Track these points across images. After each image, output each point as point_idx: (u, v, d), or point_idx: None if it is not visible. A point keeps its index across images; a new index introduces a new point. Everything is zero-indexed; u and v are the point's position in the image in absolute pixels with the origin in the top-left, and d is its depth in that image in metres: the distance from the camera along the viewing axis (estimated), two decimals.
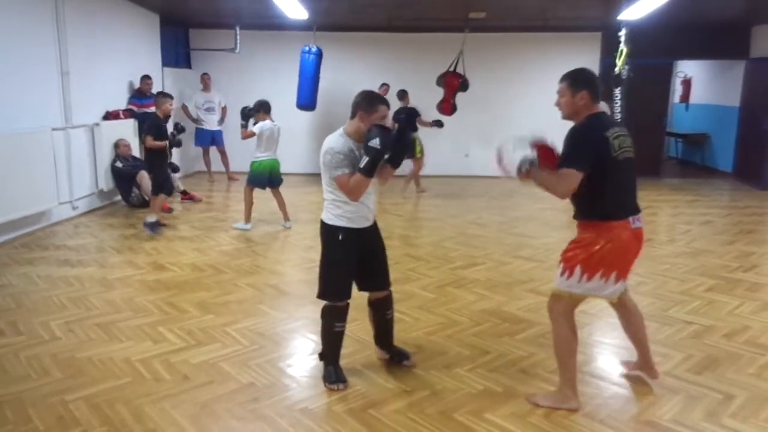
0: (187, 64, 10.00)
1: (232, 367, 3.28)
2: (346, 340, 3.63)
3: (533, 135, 3.04)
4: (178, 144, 6.64)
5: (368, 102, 2.93)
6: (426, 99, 8.50)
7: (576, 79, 2.82)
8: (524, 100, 9.83)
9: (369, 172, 2.83)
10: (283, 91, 9.95)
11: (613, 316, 4.09)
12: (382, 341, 3.40)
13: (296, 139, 10.32)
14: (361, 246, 3.07)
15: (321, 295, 3.09)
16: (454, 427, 2.74)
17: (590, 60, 9.76)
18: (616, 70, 8.17)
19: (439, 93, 8.76)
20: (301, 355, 3.53)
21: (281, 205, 6.59)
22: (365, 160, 2.82)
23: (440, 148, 9.53)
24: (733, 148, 10.22)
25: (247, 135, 6.31)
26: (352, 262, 3.06)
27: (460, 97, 8.80)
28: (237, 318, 3.99)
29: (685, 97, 12.25)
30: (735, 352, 3.51)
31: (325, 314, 3.12)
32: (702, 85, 11.75)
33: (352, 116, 2.95)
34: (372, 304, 3.30)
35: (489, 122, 9.58)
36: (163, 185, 6.30)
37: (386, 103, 2.98)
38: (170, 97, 6.39)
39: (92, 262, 5.23)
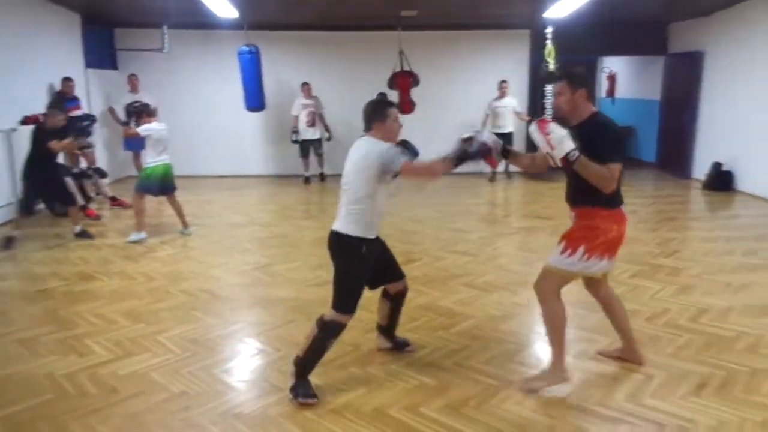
0: (112, 65, 9.63)
1: (163, 377, 3.19)
2: (283, 343, 3.63)
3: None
4: (87, 134, 6.34)
5: (379, 112, 2.99)
6: (364, 98, 8.50)
7: (575, 77, 2.92)
8: (459, 98, 9.99)
9: (455, 162, 2.90)
10: (215, 92, 9.79)
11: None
12: (389, 331, 3.44)
13: (230, 141, 10.15)
14: (377, 255, 3.08)
15: (337, 308, 2.95)
16: (389, 423, 2.77)
17: (520, 57, 10.05)
18: (550, 68, 8.43)
19: (375, 89, 8.79)
20: (236, 360, 3.47)
21: (179, 212, 6.28)
22: (459, 150, 2.92)
23: None
24: (655, 140, 10.73)
25: (130, 134, 6.08)
26: (369, 276, 3.06)
27: (395, 96, 8.85)
28: (169, 326, 3.89)
29: (611, 91, 12.76)
30: (655, 335, 3.69)
31: (327, 329, 2.96)
32: (626, 80, 12.28)
33: (367, 128, 3.01)
34: (391, 296, 3.32)
35: (424, 120, 9.67)
36: (58, 193, 6.10)
37: (394, 105, 3.11)
38: (64, 113, 6.14)
39: (12, 275, 4.97)
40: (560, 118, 2.98)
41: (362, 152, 2.92)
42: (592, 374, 3.21)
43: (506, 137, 9.00)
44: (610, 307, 3.28)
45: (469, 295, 4.45)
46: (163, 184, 6.13)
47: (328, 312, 2.97)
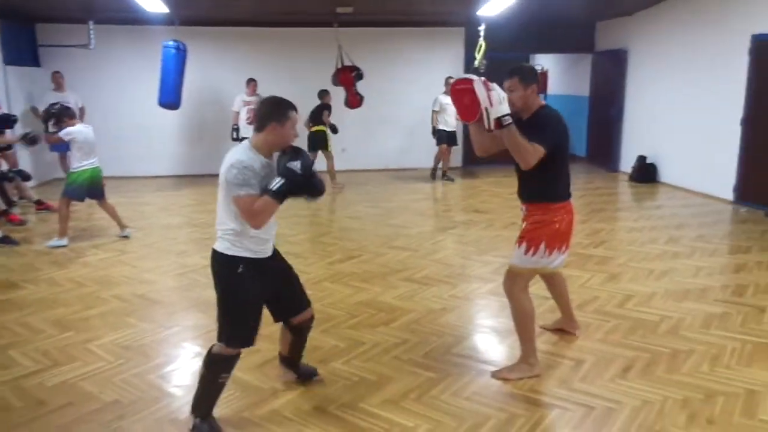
0: (34, 61, 9.15)
1: (94, 386, 3.08)
2: None
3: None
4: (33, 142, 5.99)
5: (280, 111, 2.52)
6: (300, 94, 8.40)
7: (525, 74, 2.99)
8: (396, 94, 10.07)
9: (282, 196, 2.45)
10: (146, 90, 9.43)
11: (483, 298, 4.35)
12: (293, 362, 3.08)
13: (164, 140, 9.87)
14: (268, 277, 2.67)
15: (224, 340, 2.60)
16: (329, 420, 2.78)
17: (455, 54, 10.23)
18: (476, 63, 8.61)
19: (311, 85, 8.74)
20: (172, 365, 3.39)
21: (113, 215, 6.07)
22: (279, 182, 2.44)
23: None
24: (585, 135, 11.16)
25: (54, 140, 5.74)
26: (257, 300, 2.63)
27: (334, 93, 8.82)
28: (100, 333, 3.75)
29: (543, 88, 13.15)
30: (585, 321, 3.86)
31: (213, 364, 2.61)
32: (557, 77, 12.70)
33: (260, 128, 2.53)
34: (294, 328, 2.92)
35: (363, 116, 9.70)
36: None
37: (296, 108, 2.59)
38: None
39: None
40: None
41: (227, 162, 2.48)
42: (525, 362, 3.31)
43: (452, 136, 9.13)
44: (553, 282, 3.51)
45: (408, 289, 4.51)
46: (91, 190, 5.87)
47: (216, 344, 2.63)
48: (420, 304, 4.22)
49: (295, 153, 2.53)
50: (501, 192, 8.40)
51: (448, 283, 4.65)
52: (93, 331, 3.79)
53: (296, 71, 9.64)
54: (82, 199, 5.92)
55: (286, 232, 6.33)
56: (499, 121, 2.77)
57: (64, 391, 3.03)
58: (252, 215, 2.46)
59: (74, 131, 5.66)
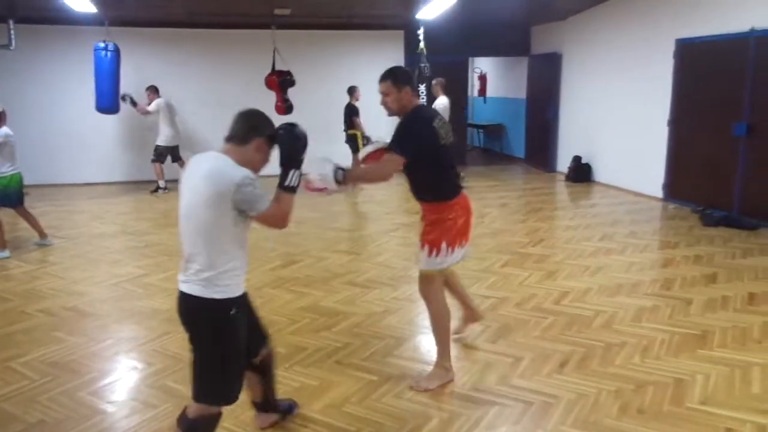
0: None
1: (16, 406, 2.91)
2: (157, 357, 3.44)
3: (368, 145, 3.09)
4: None
5: (270, 126, 2.28)
6: (238, 96, 8.26)
7: (398, 77, 2.99)
8: (335, 97, 10.02)
9: (296, 188, 2.29)
10: (73, 93, 9.08)
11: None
12: (270, 403, 2.68)
13: (95, 146, 9.47)
14: (247, 310, 2.36)
15: (209, 398, 2.23)
16: (268, 428, 2.72)
17: (394, 57, 10.26)
18: (426, 71, 8.67)
19: (249, 87, 8.60)
20: (104, 380, 3.23)
21: (34, 222, 5.81)
22: (293, 174, 2.26)
23: None
24: (523, 137, 11.45)
25: None
26: (244, 344, 2.28)
27: (271, 97, 8.70)
28: (24, 350, 3.55)
29: (482, 91, 13.44)
30: (524, 319, 3.94)
31: (201, 427, 2.25)
32: (496, 79, 12.99)
33: (243, 142, 2.21)
34: (259, 366, 2.52)
35: (302, 120, 9.60)
36: None
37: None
38: None
39: None
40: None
41: (231, 179, 2.08)
42: (466, 361, 3.36)
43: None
44: (450, 279, 3.48)
45: (350, 293, 4.48)
46: (19, 195, 5.60)
47: (192, 406, 2.24)
48: (362, 308, 4.20)
49: (297, 137, 2.31)
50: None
51: (390, 285, 4.66)
52: (16, 348, 3.58)
53: (235, 73, 9.47)
54: (13, 205, 5.62)
55: None
56: (340, 182, 2.77)
57: None
58: (282, 219, 2.24)
59: (9, 133, 5.38)
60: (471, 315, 3.64)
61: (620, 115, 8.44)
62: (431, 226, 3.07)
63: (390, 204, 8.32)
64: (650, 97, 7.76)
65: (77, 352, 3.54)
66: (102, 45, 8.01)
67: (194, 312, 2.18)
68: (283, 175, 2.27)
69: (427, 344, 3.69)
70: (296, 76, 8.75)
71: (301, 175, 2.31)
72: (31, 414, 2.85)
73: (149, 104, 8.52)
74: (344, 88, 9.60)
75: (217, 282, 2.13)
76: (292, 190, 2.27)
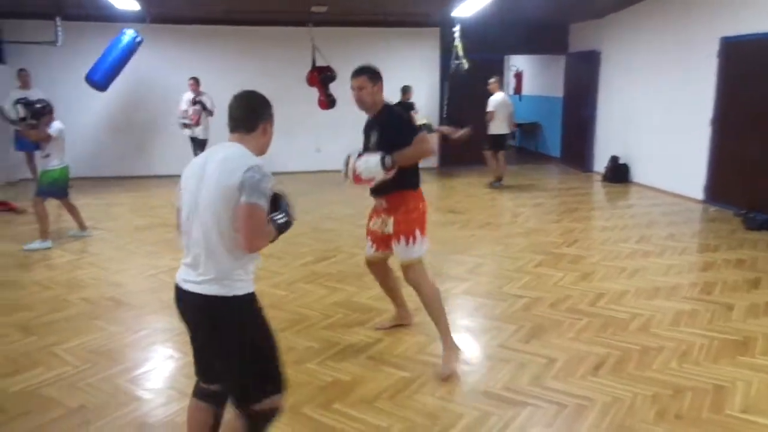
0: None
1: (58, 391, 2.99)
2: (190, 347, 3.49)
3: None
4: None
5: (269, 110, 2.18)
6: (273, 93, 8.34)
7: (373, 72, 3.21)
8: None
9: (279, 234, 2.12)
10: (116, 88, 9.26)
11: (457, 297, 4.35)
12: None
13: (134, 140, 9.68)
14: None
15: (272, 391, 2.09)
16: (303, 421, 2.75)
17: (430, 54, 10.26)
18: (464, 65, 8.63)
19: (284, 84, 8.67)
20: (141, 368, 3.31)
21: (77, 214, 5.98)
22: (282, 217, 2.10)
23: (292, 144, 9.44)
24: (559, 136, 11.28)
25: (43, 137, 5.44)
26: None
27: (309, 93, 8.77)
28: (66, 337, 3.65)
29: (518, 89, 13.28)
30: (558, 320, 3.88)
31: (266, 418, 2.12)
32: (532, 77, 12.83)
33: (252, 129, 2.11)
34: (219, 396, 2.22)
35: (339, 116, 9.66)
36: None
37: None
38: None
39: None
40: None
41: (239, 165, 1.96)
42: (498, 361, 3.33)
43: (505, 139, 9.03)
44: (387, 272, 3.63)
45: (382, 290, 4.47)
46: (66, 187, 5.80)
47: (243, 413, 2.08)
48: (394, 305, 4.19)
49: (284, 197, 2.18)
50: (476, 192, 8.45)
51: None
52: (58, 334, 3.69)
53: (270, 70, 9.54)
54: (59, 197, 5.79)
55: None
56: (389, 168, 3.05)
57: (25, 398, 2.94)
58: (261, 235, 1.98)
59: (63, 128, 5.56)
60: (402, 317, 3.75)
61: (660, 114, 8.25)
62: (401, 214, 3.24)
63: None
64: (692, 97, 7.56)
65: (115, 340, 3.63)
66: (129, 32, 8.08)
67: (219, 313, 2.01)
68: (270, 211, 2.06)
69: (459, 343, 3.66)
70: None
71: (286, 220, 2.12)
72: (72, 399, 2.93)
73: (192, 94, 8.62)
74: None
75: (239, 277, 2.02)
76: (276, 225, 2.08)
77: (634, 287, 4.48)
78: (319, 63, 8.70)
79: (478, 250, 5.53)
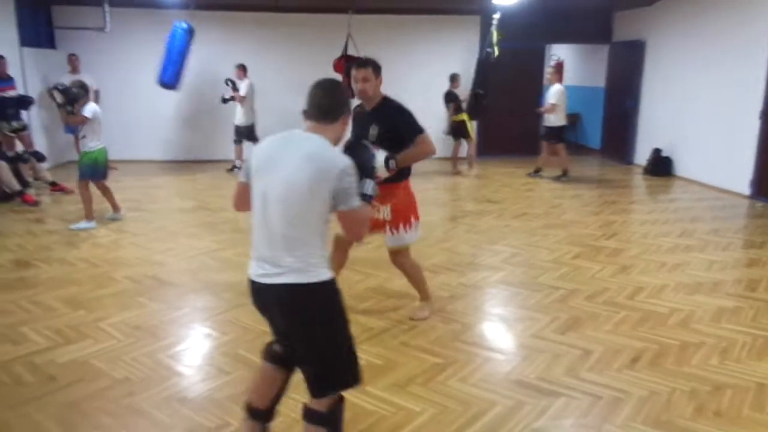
0: (50, 44, 9.20)
1: (105, 363, 3.12)
2: (230, 327, 3.60)
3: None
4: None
5: (348, 101, 2.17)
6: (313, 80, 8.43)
7: (376, 65, 3.29)
8: (409, 82, 9.99)
9: (371, 197, 2.19)
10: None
11: (492, 286, 4.35)
12: (272, 413, 2.38)
13: (177, 125, 9.88)
14: None
15: (349, 382, 2.13)
16: None
17: (470, 42, 10.14)
18: (495, 53, 8.53)
19: (324, 71, 8.71)
20: (182, 344, 3.42)
21: (110, 197, 6.03)
22: (370, 184, 2.16)
23: None
24: (600, 127, 11.05)
25: (79, 121, 5.55)
26: None
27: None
28: (111, 312, 3.79)
29: (559, 78, 13.01)
30: (594, 312, 3.84)
31: (339, 414, 2.16)
32: (573, 67, 12.56)
33: (333, 120, 2.08)
34: (291, 358, 2.24)
35: None
36: None
37: None
38: None
39: None
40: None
41: (333, 165, 1.95)
42: (533, 350, 3.32)
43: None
44: (344, 257, 3.75)
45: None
46: (105, 170, 5.93)
47: (322, 401, 2.09)
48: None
49: (368, 147, 2.30)
50: (513, 182, 8.37)
51: (457, 271, 4.64)
52: (104, 310, 3.83)
53: (312, 57, 9.58)
54: (101, 179, 5.89)
55: None
56: (393, 169, 3.20)
57: (74, 368, 3.08)
58: (363, 227, 2.08)
59: (98, 110, 5.67)
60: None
61: (706, 106, 8.00)
62: (396, 205, 3.41)
63: (459, 191, 8.28)
64: (740, 89, 7.31)
65: (157, 317, 3.75)
66: (182, 23, 8.26)
67: (304, 301, 2.00)
68: (363, 184, 2.17)
69: (493, 331, 3.69)
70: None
71: (375, 184, 2.22)
72: (118, 371, 3.05)
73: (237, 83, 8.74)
74: (418, 73, 9.59)
75: (320, 264, 2.02)
76: (368, 198, 2.16)
77: (674, 282, 4.39)
78: (351, 52, 8.70)
79: (514, 240, 5.49)
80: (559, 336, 3.49)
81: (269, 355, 2.31)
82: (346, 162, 1.98)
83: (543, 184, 8.37)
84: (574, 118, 12.19)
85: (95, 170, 5.79)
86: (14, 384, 2.92)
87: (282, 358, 2.25)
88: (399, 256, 3.62)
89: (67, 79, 8.49)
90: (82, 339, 3.41)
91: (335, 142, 2.11)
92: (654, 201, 7.65)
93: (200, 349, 3.38)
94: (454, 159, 9.20)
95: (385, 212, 3.44)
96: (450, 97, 8.87)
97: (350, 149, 2.25)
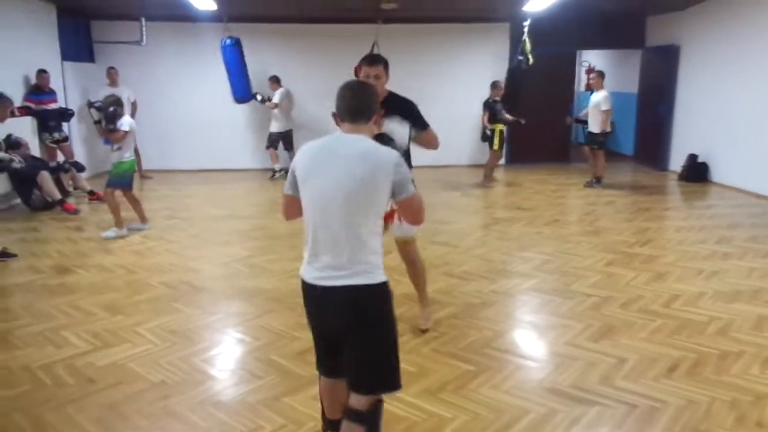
0: (89, 57, 9.49)
1: (142, 367, 3.19)
2: (262, 332, 3.64)
3: None
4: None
5: (377, 97, 2.25)
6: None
7: (386, 63, 3.36)
8: (438, 91, 10.01)
9: None
10: (194, 85, 9.72)
11: (523, 294, 4.31)
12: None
13: (208, 135, 10.05)
14: None
15: (399, 383, 2.18)
16: None
17: (500, 50, 10.11)
18: (530, 61, 8.48)
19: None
20: (215, 349, 3.47)
21: (137, 207, 6.12)
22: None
23: None
24: (633, 133, 10.87)
25: (121, 137, 5.63)
26: None
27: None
28: (148, 317, 3.88)
29: (589, 85, 12.86)
30: (629, 320, 3.77)
31: (380, 413, 2.20)
32: (604, 73, 12.38)
33: (367, 119, 2.14)
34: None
35: None
36: None
37: None
38: (8, 101, 5.79)
39: None
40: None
41: (386, 160, 2.01)
42: (566, 358, 3.27)
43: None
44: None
45: (448, 284, 4.49)
46: (132, 180, 6.02)
47: (360, 400, 2.11)
48: (459, 299, 4.20)
49: (390, 139, 2.41)
50: (544, 189, 8.29)
51: (488, 278, 4.61)
52: (141, 315, 3.92)
53: (340, 66, 9.64)
54: (129, 188, 6.02)
55: None
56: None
57: (113, 371, 3.15)
58: (421, 211, 2.17)
59: (133, 123, 5.83)
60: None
61: (743, 111, 7.81)
62: None
63: (489, 199, 8.23)
64: None
65: (192, 322, 3.82)
66: (228, 41, 8.57)
67: (366, 301, 2.05)
68: None
69: (525, 339, 3.65)
70: (394, 69, 8.82)
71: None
72: (154, 374, 3.12)
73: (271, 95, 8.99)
74: (447, 82, 9.57)
75: (377, 264, 2.06)
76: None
77: (712, 290, 4.28)
78: None
79: (546, 247, 5.44)
80: (593, 344, 3.44)
81: (325, 370, 2.31)
82: (397, 155, 2.06)
83: (573, 191, 8.26)
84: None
85: (125, 180, 5.91)
86: (55, 386, 3.01)
87: (338, 370, 2.23)
88: (406, 246, 3.64)
89: (105, 92, 8.78)
90: (120, 343, 3.49)
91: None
92: (690, 207, 7.48)
93: (233, 353, 3.43)
94: (488, 168, 8.92)
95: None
96: (486, 106, 8.70)
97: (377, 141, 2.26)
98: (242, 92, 8.86)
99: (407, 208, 2.14)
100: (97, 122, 5.84)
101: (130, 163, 5.92)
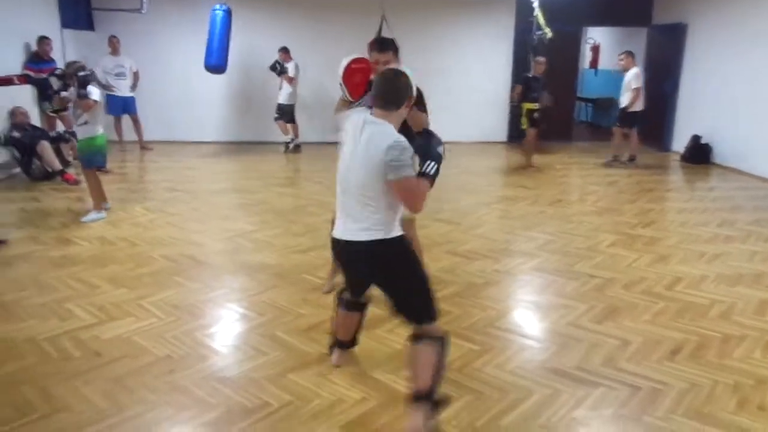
0: (89, 25, 9.32)
1: (147, 341, 3.20)
2: (266, 308, 3.65)
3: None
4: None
5: (412, 87, 2.40)
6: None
7: (396, 48, 3.37)
8: (443, 65, 9.90)
9: (434, 180, 2.38)
10: (195, 55, 9.51)
11: (526, 273, 4.32)
12: (354, 341, 3.01)
13: (211, 106, 9.96)
14: None
15: (435, 315, 2.47)
16: (372, 385, 2.82)
17: (506, 25, 9.98)
18: (549, 34, 8.32)
19: (353, 52, 8.68)
20: (219, 324, 3.48)
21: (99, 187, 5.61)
22: (433, 165, 2.36)
23: None
24: None
25: (91, 105, 5.20)
26: None
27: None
28: (151, 290, 3.88)
29: (594, 62, 12.76)
30: (632, 302, 3.78)
31: (445, 342, 2.48)
32: (609, 51, 12.25)
33: (397, 107, 2.35)
34: (364, 305, 2.87)
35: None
36: None
37: None
38: None
39: None
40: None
41: (383, 141, 2.25)
42: (570, 339, 3.29)
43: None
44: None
45: (451, 262, 4.49)
46: (105, 157, 5.71)
47: (425, 328, 2.44)
48: (462, 278, 4.20)
49: (435, 136, 2.47)
50: (547, 169, 8.25)
51: (491, 257, 4.61)
52: (144, 288, 3.92)
53: (342, 39, 9.54)
54: (101, 166, 5.72)
55: (331, 201, 6.37)
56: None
57: (118, 345, 3.16)
58: (418, 197, 2.31)
59: (100, 94, 5.43)
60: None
61: (750, 92, 7.74)
62: None
63: (493, 177, 8.19)
64: None
65: (195, 296, 3.82)
66: (217, 6, 8.32)
67: (385, 252, 2.40)
68: (422, 164, 2.38)
69: (529, 318, 3.66)
70: (399, 44, 8.70)
71: (438, 167, 2.38)
72: (159, 348, 3.13)
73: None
74: (452, 57, 9.41)
75: (392, 225, 2.39)
76: (429, 178, 2.36)
77: (714, 273, 4.30)
78: (385, 34, 8.60)
79: (549, 227, 5.43)
80: (596, 325, 3.46)
81: (344, 303, 2.83)
82: (393, 138, 2.25)
83: (575, 171, 8.23)
84: (608, 103, 11.95)
85: (99, 157, 5.52)
86: (62, 359, 3.02)
87: (354, 303, 2.81)
88: (411, 225, 3.51)
89: (107, 61, 8.66)
90: (125, 316, 3.49)
91: (398, 126, 2.38)
92: (692, 189, 7.47)
93: (237, 329, 3.44)
94: (526, 150, 8.27)
95: None
96: (522, 81, 8.16)
97: (422, 135, 2.52)
98: (216, 60, 8.22)
99: (399, 191, 2.30)
100: (56, 92, 5.42)
101: (102, 138, 5.49)
